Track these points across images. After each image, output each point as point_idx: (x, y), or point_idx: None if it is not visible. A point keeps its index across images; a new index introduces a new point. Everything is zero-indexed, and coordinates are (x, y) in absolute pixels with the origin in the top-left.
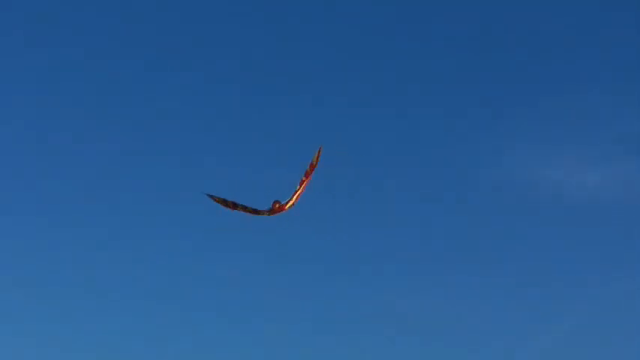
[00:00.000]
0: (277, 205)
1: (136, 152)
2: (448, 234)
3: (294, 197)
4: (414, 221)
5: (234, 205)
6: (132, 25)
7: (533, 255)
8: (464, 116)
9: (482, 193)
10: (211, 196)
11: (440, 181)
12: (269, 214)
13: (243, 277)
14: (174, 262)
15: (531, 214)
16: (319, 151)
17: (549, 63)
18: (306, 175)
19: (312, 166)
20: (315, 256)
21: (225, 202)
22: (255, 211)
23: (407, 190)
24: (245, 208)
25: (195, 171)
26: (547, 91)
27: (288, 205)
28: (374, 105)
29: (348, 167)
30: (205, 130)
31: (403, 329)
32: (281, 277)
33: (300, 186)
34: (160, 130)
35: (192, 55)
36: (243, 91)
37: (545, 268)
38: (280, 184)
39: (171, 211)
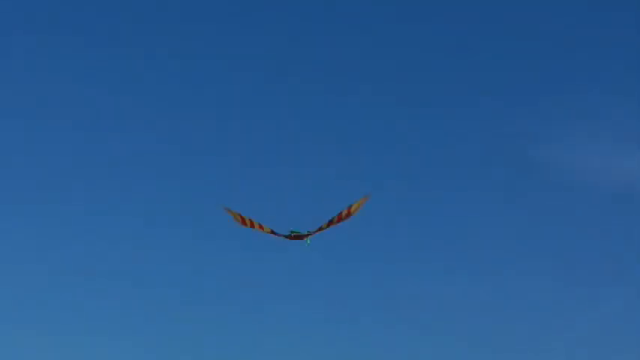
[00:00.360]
0: (294, 235)
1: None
2: (455, 231)
3: (317, 231)
4: (424, 217)
5: (251, 223)
6: (132, 25)
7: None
8: (463, 115)
9: (483, 191)
10: (228, 210)
11: (442, 180)
12: (289, 238)
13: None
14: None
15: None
16: (362, 201)
17: (549, 63)
18: (340, 218)
19: (349, 213)
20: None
21: (241, 219)
22: (274, 232)
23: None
24: (261, 227)
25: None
26: (547, 90)
27: (308, 237)
28: (377, 104)
29: (372, 165)
30: (211, 129)
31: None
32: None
33: (329, 224)
34: (162, 130)
35: (200, 54)
36: (245, 89)
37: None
38: (281, 182)
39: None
